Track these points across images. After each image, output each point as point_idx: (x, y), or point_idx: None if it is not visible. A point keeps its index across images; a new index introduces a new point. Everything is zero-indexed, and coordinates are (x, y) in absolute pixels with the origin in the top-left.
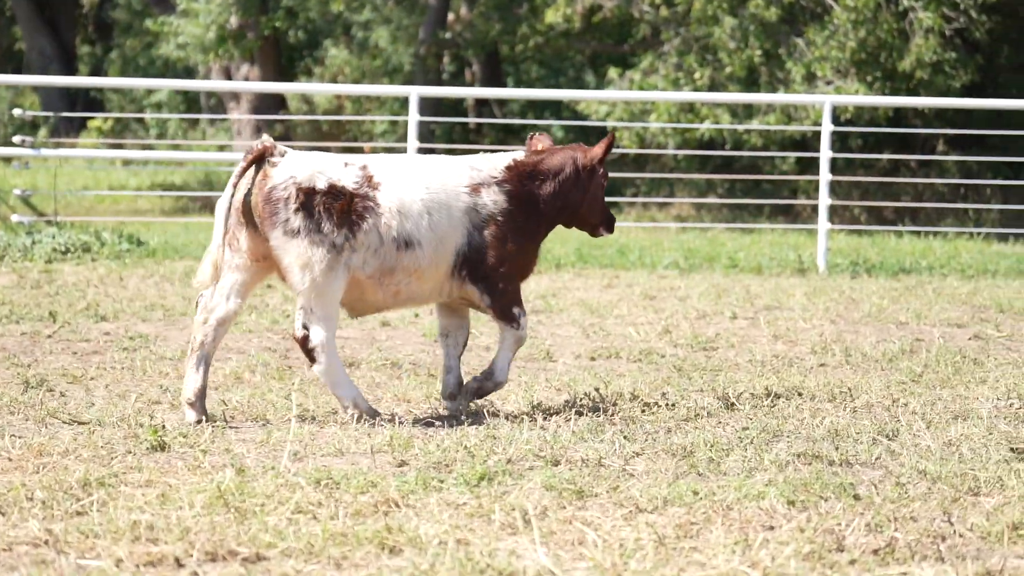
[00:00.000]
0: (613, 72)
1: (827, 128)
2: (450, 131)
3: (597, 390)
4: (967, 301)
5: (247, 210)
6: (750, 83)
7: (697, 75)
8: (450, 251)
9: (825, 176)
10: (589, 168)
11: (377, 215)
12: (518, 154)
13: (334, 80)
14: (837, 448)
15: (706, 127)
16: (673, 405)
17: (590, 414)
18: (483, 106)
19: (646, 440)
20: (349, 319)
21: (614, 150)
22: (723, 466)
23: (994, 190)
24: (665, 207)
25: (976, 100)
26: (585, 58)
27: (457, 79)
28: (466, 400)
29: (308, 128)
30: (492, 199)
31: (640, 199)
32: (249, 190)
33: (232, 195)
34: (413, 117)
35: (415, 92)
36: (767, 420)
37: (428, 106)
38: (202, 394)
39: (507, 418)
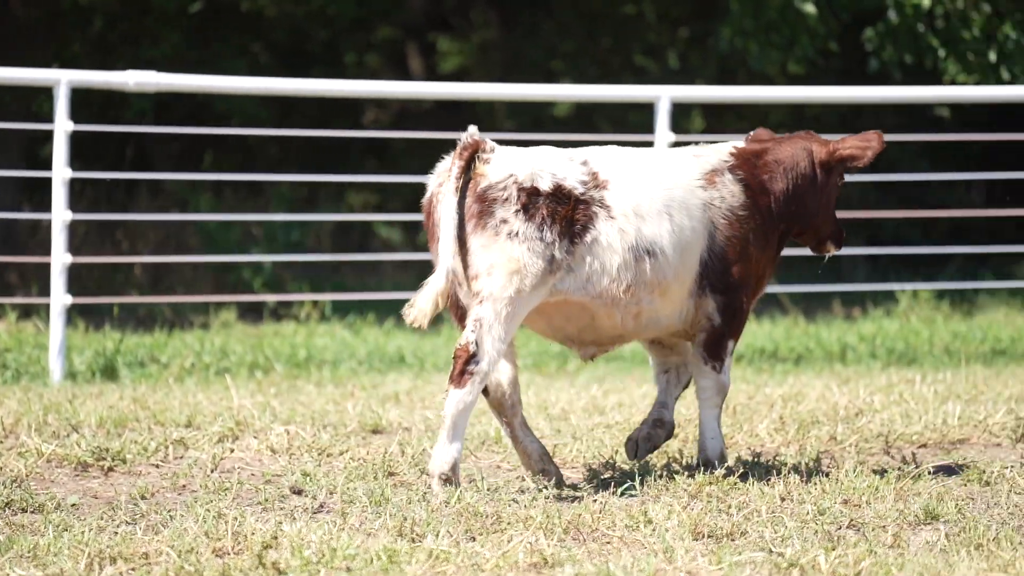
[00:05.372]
0: None
1: None
2: None
3: None
4: None
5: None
6: None
7: None
8: (695, 260)
9: None
10: (829, 165)
11: (608, 220)
12: (738, 142)
13: None
14: None
15: None
16: None
17: None
18: None
19: None
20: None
21: None
22: None
23: None
24: None
25: None
26: None
27: None
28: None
29: None
30: (729, 191)
31: None
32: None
33: (455, 203)
34: None
35: None
36: None
37: None
38: (545, 454)
39: None
